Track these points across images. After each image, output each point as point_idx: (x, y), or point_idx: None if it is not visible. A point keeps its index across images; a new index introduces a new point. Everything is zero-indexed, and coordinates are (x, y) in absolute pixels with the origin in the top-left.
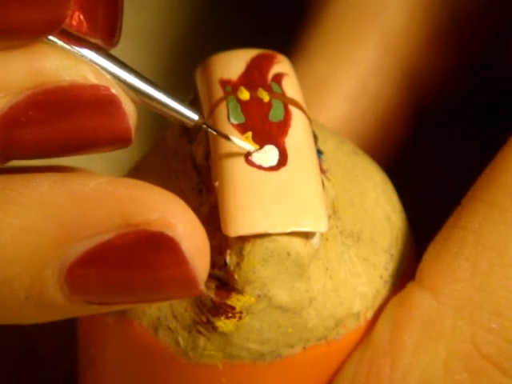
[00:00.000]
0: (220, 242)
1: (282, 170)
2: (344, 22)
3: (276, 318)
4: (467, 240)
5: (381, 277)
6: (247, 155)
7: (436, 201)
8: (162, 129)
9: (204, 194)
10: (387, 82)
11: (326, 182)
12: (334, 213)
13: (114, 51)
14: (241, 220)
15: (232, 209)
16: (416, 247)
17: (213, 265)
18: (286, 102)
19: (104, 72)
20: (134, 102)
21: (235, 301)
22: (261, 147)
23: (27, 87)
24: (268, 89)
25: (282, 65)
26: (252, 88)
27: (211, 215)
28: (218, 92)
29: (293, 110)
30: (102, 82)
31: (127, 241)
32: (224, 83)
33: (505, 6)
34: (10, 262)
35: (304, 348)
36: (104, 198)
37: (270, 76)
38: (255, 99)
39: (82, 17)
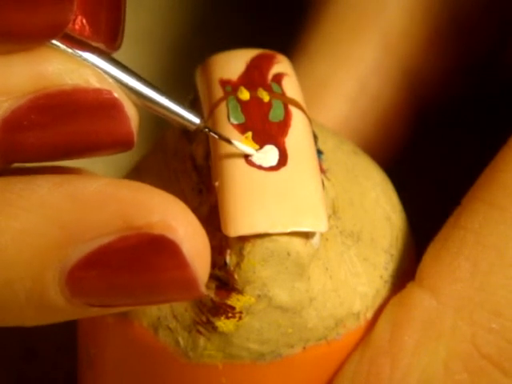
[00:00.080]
0: (220, 241)
1: (282, 170)
2: (344, 22)
3: (276, 318)
4: (467, 240)
5: (381, 277)
6: (247, 155)
7: (436, 201)
8: (162, 129)
9: (204, 194)
10: (387, 82)
11: (326, 182)
12: (334, 213)
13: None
14: (241, 220)
15: (232, 209)
16: (416, 247)
17: (213, 265)
18: (286, 101)
19: (106, 76)
20: (135, 105)
21: (235, 301)
22: (261, 147)
23: (30, 91)
24: (268, 89)
25: (281, 65)
26: (252, 88)
27: (211, 215)
28: (218, 92)
29: (293, 110)
30: (105, 86)
31: (128, 244)
32: (224, 83)
33: (505, 6)
34: (11, 265)
35: (304, 348)
36: (105, 200)
37: (270, 76)
38: (255, 99)
39: (84, 21)
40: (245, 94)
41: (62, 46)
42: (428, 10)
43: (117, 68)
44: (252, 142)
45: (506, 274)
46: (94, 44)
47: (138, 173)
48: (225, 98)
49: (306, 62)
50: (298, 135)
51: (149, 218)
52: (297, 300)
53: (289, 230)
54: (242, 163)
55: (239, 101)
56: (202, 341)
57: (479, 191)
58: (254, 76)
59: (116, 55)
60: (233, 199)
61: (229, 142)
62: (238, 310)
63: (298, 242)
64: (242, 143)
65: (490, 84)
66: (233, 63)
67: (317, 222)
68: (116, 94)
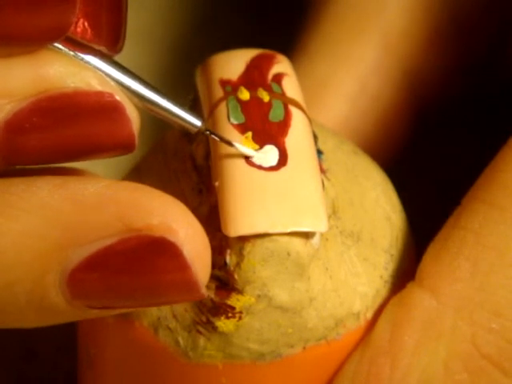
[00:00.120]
0: (220, 241)
1: (282, 170)
2: (344, 22)
3: (276, 318)
4: (467, 240)
5: (381, 277)
6: (247, 156)
7: (436, 201)
8: (162, 129)
9: (204, 194)
10: (387, 82)
11: (326, 182)
12: (333, 213)
13: None
14: (241, 220)
15: (232, 209)
16: (416, 247)
17: (213, 265)
18: (286, 101)
19: (108, 78)
20: (137, 107)
21: (235, 301)
22: (261, 147)
23: (31, 94)
24: (268, 89)
25: (281, 65)
26: (252, 88)
27: (211, 215)
28: (218, 92)
29: (293, 109)
30: (106, 89)
31: (129, 246)
32: (224, 83)
33: (505, 6)
34: (11, 267)
35: (304, 348)
36: (105, 202)
37: (270, 76)
38: (255, 99)
39: (86, 24)
40: (245, 94)
41: (64, 49)
42: (428, 10)
43: (118, 71)
44: (252, 142)
45: (506, 273)
46: (96, 47)
47: (138, 173)
48: (225, 97)
49: (306, 62)
50: (298, 135)
51: (149, 220)
52: (297, 300)
53: (289, 230)
54: (242, 163)
55: (239, 101)
56: (202, 341)
57: (479, 191)
58: (254, 76)
59: (116, 56)
60: (233, 199)
61: (230, 144)
62: (238, 310)
63: (297, 242)
64: (242, 143)
65: (490, 84)
66: (233, 63)
67: (317, 222)
68: (117, 97)
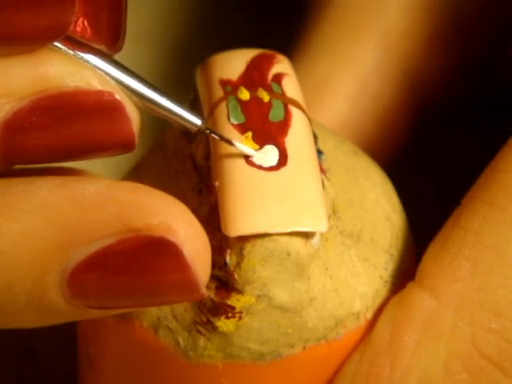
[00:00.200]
0: (220, 241)
1: (282, 170)
2: (344, 22)
3: (276, 318)
4: (467, 240)
5: (381, 277)
6: (247, 155)
7: (436, 201)
8: (162, 129)
9: (204, 194)
10: (387, 82)
11: (326, 182)
12: (333, 213)
13: None
14: (241, 220)
15: (232, 209)
16: (416, 247)
17: (213, 265)
18: (286, 101)
19: (108, 78)
20: (137, 107)
21: (235, 301)
22: (261, 147)
23: (31, 93)
24: (268, 89)
25: (282, 65)
26: (252, 88)
27: (211, 215)
28: (218, 92)
29: (293, 109)
30: (106, 88)
31: (128, 246)
32: (224, 83)
33: (505, 6)
34: (11, 267)
35: (304, 348)
36: (105, 202)
37: (270, 76)
38: (255, 99)
39: (85, 23)
40: (245, 94)
41: (64, 48)
42: (428, 10)
43: (118, 70)
44: (252, 142)
45: (506, 274)
46: (96, 46)
47: (137, 173)
48: (225, 97)
49: (306, 62)
50: (298, 135)
51: (148, 220)
52: (297, 300)
53: (289, 230)
54: (242, 163)
55: (239, 101)
56: (202, 341)
57: (479, 191)
58: (254, 76)
59: (116, 55)
60: (233, 199)
61: (230, 143)
62: (238, 310)
63: (297, 242)
64: (242, 143)
65: (490, 84)
66: (233, 63)
67: (317, 222)
68: (117, 96)
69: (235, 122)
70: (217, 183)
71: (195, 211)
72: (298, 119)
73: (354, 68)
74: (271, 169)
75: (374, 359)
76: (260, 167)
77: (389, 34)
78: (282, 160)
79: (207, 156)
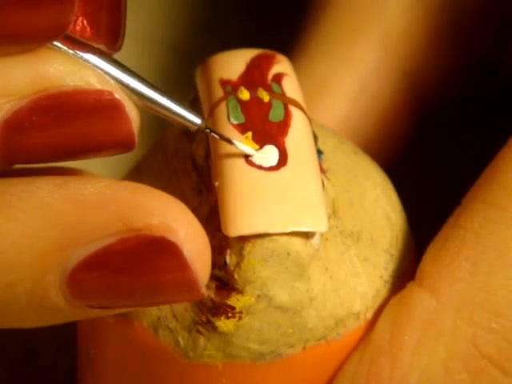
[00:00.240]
0: (220, 241)
1: (282, 170)
2: (344, 22)
3: (276, 318)
4: (467, 240)
5: (381, 277)
6: (247, 155)
7: (436, 201)
8: (162, 129)
9: (204, 193)
10: (387, 82)
11: (326, 182)
12: (333, 213)
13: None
14: (241, 220)
15: (232, 209)
16: (416, 247)
17: (213, 265)
18: (286, 101)
19: (107, 77)
20: (136, 106)
21: (235, 301)
22: (261, 147)
23: (31, 92)
24: (268, 89)
25: (282, 65)
26: (252, 88)
27: (211, 215)
28: (218, 92)
29: (293, 109)
30: (106, 87)
31: (128, 246)
32: (224, 83)
33: (505, 7)
34: (12, 267)
35: (304, 348)
36: (104, 202)
37: (270, 76)
38: (255, 99)
39: (85, 22)
40: (245, 94)
41: (63, 47)
42: (428, 10)
43: (118, 69)
44: (252, 142)
45: (506, 274)
46: (95, 45)
47: (137, 173)
48: (225, 97)
49: (306, 62)
50: (298, 135)
51: (148, 220)
52: (297, 300)
53: (289, 230)
54: (242, 163)
55: (239, 101)
56: (202, 341)
57: (479, 191)
58: (254, 76)
59: (116, 55)
60: (233, 199)
61: (230, 142)
62: (238, 309)
63: (297, 242)
64: (242, 143)
65: (490, 84)
66: (233, 63)
67: (317, 222)
68: (117, 95)
69: (235, 122)
70: (217, 183)
71: (195, 211)
72: (298, 119)
73: (353, 68)
74: (271, 169)
75: (373, 359)
76: (260, 167)
77: (389, 34)
78: (282, 160)
79: (207, 156)
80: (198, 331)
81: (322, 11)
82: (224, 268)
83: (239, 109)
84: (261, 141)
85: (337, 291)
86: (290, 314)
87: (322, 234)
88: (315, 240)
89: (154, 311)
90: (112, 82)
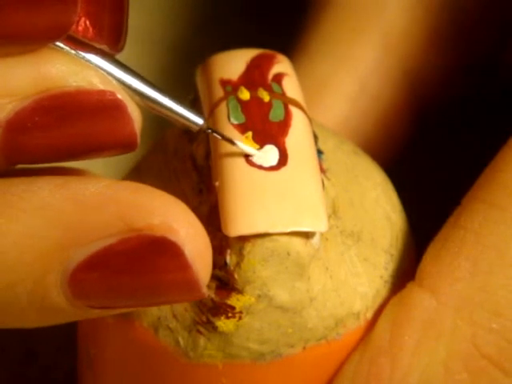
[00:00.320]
0: (220, 241)
1: (282, 170)
2: (344, 22)
3: (276, 318)
4: (467, 240)
5: (381, 277)
6: (247, 155)
7: (436, 201)
8: (162, 129)
9: (204, 193)
10: (387, 82)
11: (326, 182)
12: (334, 213)
13: None
14: (241, 220)
15: (232, 209)
16: (416, 247)
17: (213, 265)
18: (286, 101)
19: (110, 77)
20: (138, 106)
21: (235, 301)
22: (261, 147)
23: (33, 93)
24: (268, 89)
25: (282, 65)
26: (252, 88)
27: (211, 215)
28: (219, 92)
29: (293, 109)
30: (108, 88)
31: (129, 246)
32: (224, 83)
33: (505, 7)
34: (13, 267)
35: (304, 348)
36: (105, 202)
37: (271, 76)
38: (255, 99)
39: (87, 22)
40: (245, 94)
41: (66, 48)
42: (428, 10)
43: (120, 69)
44: (252, 142)
45: (506, 273)
46: (97, 45)
47: (138, 173)
48: (225, 97)
49: (306, 62)
50: (298, 135)
51: (149, 220)
52: (297, 300)
53: (289, 230)
54: (242, 163)
55: (239, 101)
56: (202, 341)
57: (479, 191)
58: (255, 76)
59: (117, 55)
60: (233, 199)
61: (232, 142)
62: (237, 309)
63: (298, 242)
64: (243, 143)
65: (490, 84)
66: (233, 63)
67: (317, 222)
68: (119, 96)
69: (235, 122)
70: (217, 183)
71: (195, 211)
72: (298, 119)
73: (354, 68)
74: (271, 169)
75: (374, 359)
76: (260, 167)
77: (389, 34)
78: (282, 160)
79: (207, 156)
80: (198, 331)
81: (322, 11)
82: (224, 268)
83: (239, 109)
84: (261, 141)
85: (337, 291)
86: (290, 313)
87: (322, 234)
88: (315, 240)
89: (154, 311)
90: (114, 82)
